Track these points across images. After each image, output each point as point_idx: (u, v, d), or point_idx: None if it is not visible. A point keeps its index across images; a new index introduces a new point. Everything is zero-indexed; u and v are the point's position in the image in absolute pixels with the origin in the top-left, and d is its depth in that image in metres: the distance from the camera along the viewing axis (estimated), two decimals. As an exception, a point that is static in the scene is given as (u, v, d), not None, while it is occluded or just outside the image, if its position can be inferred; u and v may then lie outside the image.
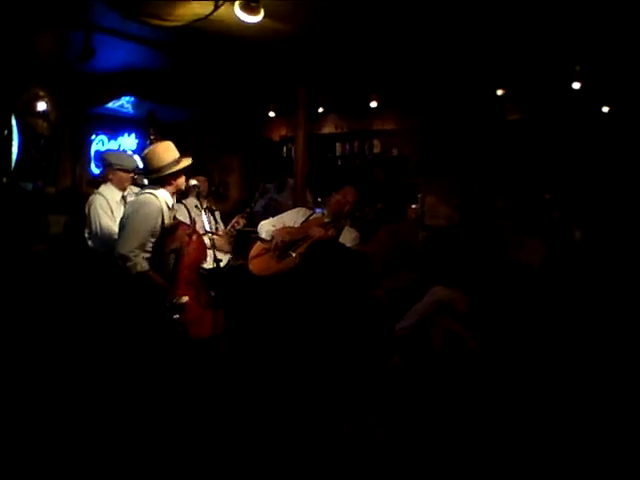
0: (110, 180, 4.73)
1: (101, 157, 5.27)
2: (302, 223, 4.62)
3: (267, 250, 4.54)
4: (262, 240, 4.62)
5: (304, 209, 4.88)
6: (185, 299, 3.60)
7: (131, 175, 4.74)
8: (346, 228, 4.54)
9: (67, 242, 5.62)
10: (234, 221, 5.04)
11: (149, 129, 4.53)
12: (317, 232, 4.35)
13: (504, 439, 3.00)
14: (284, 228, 4.53)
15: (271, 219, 4.75)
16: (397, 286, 4.01)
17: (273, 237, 4.49)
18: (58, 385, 3.85)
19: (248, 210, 5.33)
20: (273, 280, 4.34)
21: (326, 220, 4.55)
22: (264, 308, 4.20)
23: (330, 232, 4.37)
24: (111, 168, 4.75)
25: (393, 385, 3.26)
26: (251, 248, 4.73)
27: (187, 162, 3.78)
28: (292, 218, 4.71)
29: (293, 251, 4.36)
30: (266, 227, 4.63)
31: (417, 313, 3.50)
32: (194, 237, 3.89)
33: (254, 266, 4.57)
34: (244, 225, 5.07)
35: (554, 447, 2.97)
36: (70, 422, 3.41)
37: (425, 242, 4.14)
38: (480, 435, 2.99)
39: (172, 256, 3.71)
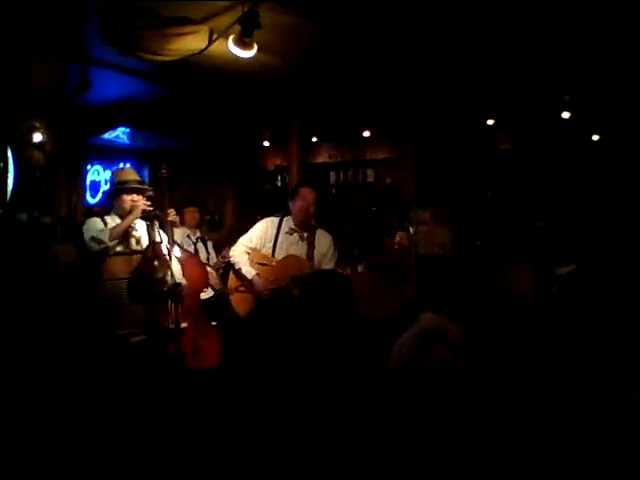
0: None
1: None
2: (276, 236, 4.40)
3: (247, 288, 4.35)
4: (239, 276, 4.36)
5: (270, 219, 4.52)
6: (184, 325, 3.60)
7: None
8: (319, 232, 4.47)
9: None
10: (224, 252, 5.03)
11: (162, 163, 4.54)
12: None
13: (499, 469, 2.98)
14: (267, 279, 4.27)
15: (241, 241, 4.46)
16: (389, 315, 4.00)
17: (253, 280, 4.27)
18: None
19: None
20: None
21: (296, 228, 4.39)
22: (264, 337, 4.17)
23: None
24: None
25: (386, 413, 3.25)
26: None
27: None
28: (262, 235, 4.45)
29: None
30: (239, 255, 4.39)
31: (408, 345, 3.49)
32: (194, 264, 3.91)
33: (237, 305, 4.36)
34: None
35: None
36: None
37: (420, 270, 4.16)
38: (475, 466, 2.98)
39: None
